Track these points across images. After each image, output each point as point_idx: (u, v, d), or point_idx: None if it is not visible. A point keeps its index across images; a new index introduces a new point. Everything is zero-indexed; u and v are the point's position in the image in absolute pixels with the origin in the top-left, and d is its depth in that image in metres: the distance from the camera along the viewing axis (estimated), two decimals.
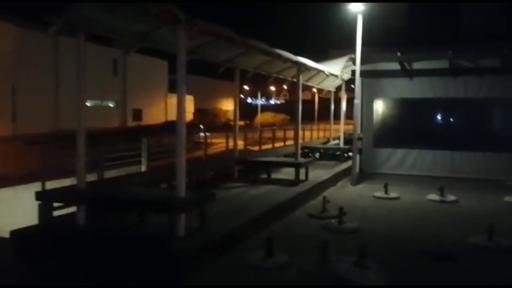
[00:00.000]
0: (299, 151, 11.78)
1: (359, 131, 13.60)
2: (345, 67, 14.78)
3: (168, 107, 45.13)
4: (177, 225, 5.94)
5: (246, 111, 71.17)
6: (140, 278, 5.44)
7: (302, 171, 11.12)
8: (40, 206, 6.66)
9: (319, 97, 21.85)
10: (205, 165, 11.37)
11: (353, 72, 14.25)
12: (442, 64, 13.77)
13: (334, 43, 17.27)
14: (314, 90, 19.06)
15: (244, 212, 7.78)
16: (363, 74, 13.72)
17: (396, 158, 14.51)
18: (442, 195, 10.65)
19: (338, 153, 16.50)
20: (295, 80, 15.03)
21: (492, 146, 13.52)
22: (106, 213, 7.02)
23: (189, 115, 50.27)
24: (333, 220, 8.17)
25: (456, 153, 13.88)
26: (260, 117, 51.42)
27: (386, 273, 5.72)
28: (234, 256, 6.34)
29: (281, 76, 13.67)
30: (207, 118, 47.35)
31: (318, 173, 12.45)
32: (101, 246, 5.90)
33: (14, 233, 6.28)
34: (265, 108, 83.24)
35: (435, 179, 12.73)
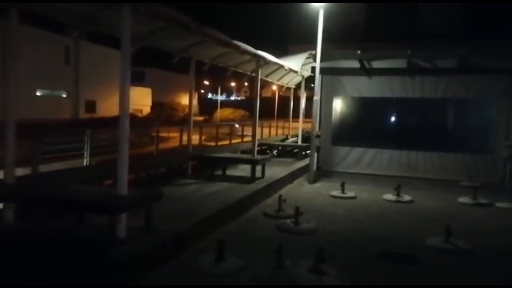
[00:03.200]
0: (256, 148, 11.37)
1: (317, 128, 13.35)
2: (304, 63, 14.49)
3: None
4: (118, 227, 5.37)
5: (206, 107, 70.28)
6: (75, 285, 4.86)
7: (259, 168, 10.75)
8: None
9: (279, 95, 21.61)
10: (156, 160, 10.77)
11: (313, 68, 13.98)
12: (401, 63, 13.70)
13: (294, 38, 16.79)
14: (275, 87, 18.85)
15: (197, 211, 7.28)
16: (323, 71, 13.48)
17: (353, 157, 14.36)
18: (398, 195, 10.55)
19: (296, 150, 16.25)
20: (253, 75, 14.72)
21: (447, 146, 13.59)
22: (40, 212, 6.35)
23: (146, 108, 48.97)
24: (288, 220, 7.82)
25: (412, 152, 13.86)
26: (220, 113, 50.86)
27: (345, 278, 5.40)
28: (184, 260, 5.84)
29: (240, 70, 13.23)
30: (165, 112, 46.30)
31: (275, 171, 12.10)
32: (31, 249, 5.25)
33: None
34: (225, 104, 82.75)
35: (392, 178, 12.64)
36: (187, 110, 57.01)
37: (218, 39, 8.81)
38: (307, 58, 13.98)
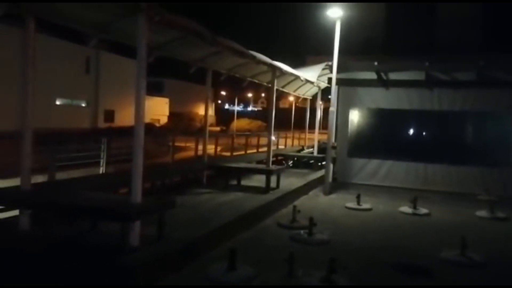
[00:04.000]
0: (271, 158, 11.36)
1: (333, 139, 13.28)
2: (321, 74, 14.48)
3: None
4: (131, 234, 5.41)
5: (223, 117, 70.65)
6: None
7: (273, 178, 10.71)
8: None
9: (295, 106, 21.57)
10: (171, 169, 10.83)
11: (330, 79, 14.01)
12: (419, 75, 13.64)
13: (311, 49, 16.88)
14: (292, 98, 18.77)
15: (210, 220, 7.29)
16: (340, 82, 13.47)
17: (370, 169, 14.26)
18: (414, 207, 10.40)
19: (311, 161, 16.18)
20: (270, 85, 14.76)
21: (464, 159, 13.41)
22: (55, 219, 6.43)
23: (163, 118, 49.43)
24: (302, 231, 7.77)
25: (429, 165, 13.72)
26: (236, 123, 51.05)
27: None
28: (195, 268, 5.85)
29: (256, 81, 13.27)
30: (182, 122, 46.66)
31: (290, 181, 12.05)
32: (45, 255, 5.31)
33: None
34: (242, 114, 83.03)
35: (408, 190, 12.53)
36: (208, 120, 57.52)
37: (233, 49, 8.87)
38: (323, 69, 13.98)
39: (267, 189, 10.33)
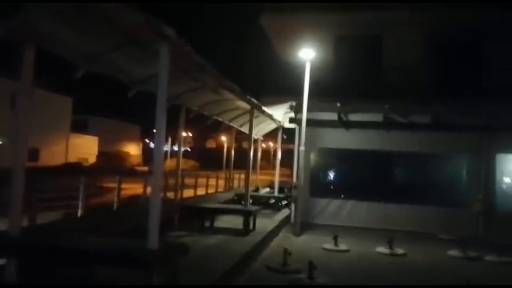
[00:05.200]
0: (248, 197, 10.99)
1: (301, 179, 13.20)
2: (285, 113, 14.55)
3: (70, 148, 41.65)
4: (145, 282, 4.80)
5: (149, 157, 68.76)
6: None
7: (251, 219, 10.30)
8: None
9: (234, 145, 21.42)
10: (138, 211, 10.03)
11: (291, 119, 14.18)
12: (377, 117, 14.06)
13: (267, 89, 16.96)
14: (223, 138, 18.49)
15: (209, 266, 6.72)
16: (298, 122, 13.59)
17: (331, 209, 14.26)
18: (391, 248, 10.46)
19: (272, 201, 15.93)
20: (231, 124, 14.56)
21: (423, 199, 13.84)
22: (41, 267, 5.54)
23: (91, 157, 46.92)
24: (301, 275, 7.43)
25: (389, 205, 13.98)
26: (169, 162, 49.66)
27: None
28: None
29: (220, 119, 12.99)
30: (113, 161, 44.53)
31: (261, 222, 11.67)
32: None
33: None
34: (171, 154, 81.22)
35: (370, 230, 12.74)
36: (132, 160, 55.06)
37: (229, 88, 8.56)
38: (287, 109, 14.04)
39: (246, 231, 9.88)
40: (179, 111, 10.54)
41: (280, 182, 17.27)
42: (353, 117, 14.28)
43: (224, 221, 11.31)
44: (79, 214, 7.57)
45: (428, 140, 13.84)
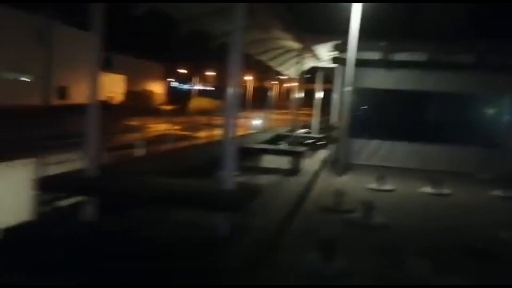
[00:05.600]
0: (294, 137, 11.02)
1: (336, 120, 13.19)
2: (329, 52, 14.23)
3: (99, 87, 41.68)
4: (222, 225, 4.96)
5: (175, 96, 68.62)
6: None
7: (300, 160, 10.40)
8: (36, 197, 5.29)
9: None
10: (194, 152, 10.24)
11: (334, 59, 13.94)
12: (420, 57, 13.72)
13: (310, 27, 16.42)
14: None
15: (274, 206, 6.87)
16: (341, 62, 13.32)
17: (371, 149, 14.34)
18: (436, 187, 10.50)
19: (309, 141, 15.94)
20: (270, 63, 14.35)
21: (463, 140, 13.81)
22: (114, 208, 5.74)
23: (119, 96, 47.21)
24: (355, 215, 7.57)
25: (428, 145, 14.01)
26: (195, 103, 49.63)
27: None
28: (287, 260, 5.43)
29: (264, 58, 12.79)
30: (141, 100, 44.79)
31: (304, 163, 11.77)
32: (122, 250, 4.62)
33: (8, 231, 4.83)
34: (192, 94, 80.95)
35: (409, 170, 12.93)
36: (158, 98, 55.09)
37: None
38: (332, 47, 13.71)
39: (295, 171, 9.99)
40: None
41: (303, 122, 17.24)
42: (396, 56, 13.94)
43: (268, 161, 11.43)
44: (137, 154, 7.69)
45: (471, 81, 13.55)
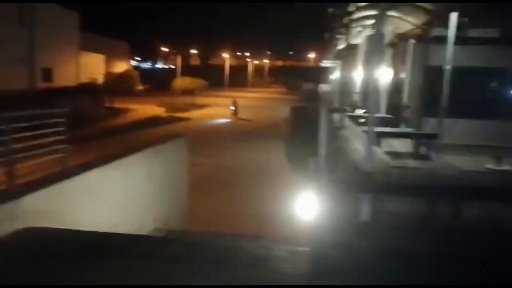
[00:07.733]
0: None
1: (406, 99, 12.88)
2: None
3: (79, 67, 39.45)
4: None
5: (145, 75, 66.24)
6: None
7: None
8: None
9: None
10: None
11: None
12: (493, 33, 13.57)
13: None
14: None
15: None
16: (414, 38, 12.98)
17: (444, 128, 14.15)
18: None
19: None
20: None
21: None
22: None
23: (98, 77, 44.96)
24: None
25: (503, 123, 13.94)
26: (180, 82, 48.13)
27: None
28: None
29: None
30: (124, 81, 42.77)
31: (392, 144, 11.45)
32: None
33: None
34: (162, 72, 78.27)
35: (485, 148, 12.76)
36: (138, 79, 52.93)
37: None
38: None
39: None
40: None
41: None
42: (470, 33, 13.69)
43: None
44: None
45: None
